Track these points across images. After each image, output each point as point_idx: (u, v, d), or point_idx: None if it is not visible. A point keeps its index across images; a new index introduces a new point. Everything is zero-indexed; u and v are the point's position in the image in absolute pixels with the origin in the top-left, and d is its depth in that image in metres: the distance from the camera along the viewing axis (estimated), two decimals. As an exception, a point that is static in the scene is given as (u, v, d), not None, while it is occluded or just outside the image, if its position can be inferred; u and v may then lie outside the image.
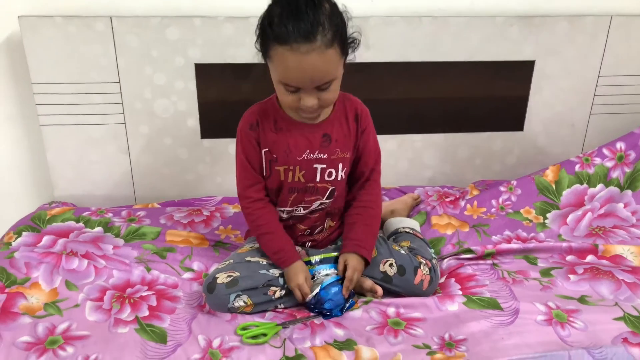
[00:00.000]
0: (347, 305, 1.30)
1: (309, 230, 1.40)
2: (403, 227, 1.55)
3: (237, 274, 1.30)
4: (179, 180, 1.91)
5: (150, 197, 1.92)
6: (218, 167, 1.90)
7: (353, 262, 1.31)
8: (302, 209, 1.36)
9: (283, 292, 1.32)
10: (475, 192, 1.80)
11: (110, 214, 1.71)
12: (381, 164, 1.39)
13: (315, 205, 1.36)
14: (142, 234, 1.61)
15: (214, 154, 1.89)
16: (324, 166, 1.31)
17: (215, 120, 1.84)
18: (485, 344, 1.17)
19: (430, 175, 2.00)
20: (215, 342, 1.21)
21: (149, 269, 1.45)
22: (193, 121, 1.83)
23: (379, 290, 1.35)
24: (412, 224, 1.59)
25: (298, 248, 1.41)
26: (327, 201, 1.36)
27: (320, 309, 1.28)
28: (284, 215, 1.38)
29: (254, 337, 1.22)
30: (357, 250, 1.32)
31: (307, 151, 1.29)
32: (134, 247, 1.54)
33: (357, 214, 1.37)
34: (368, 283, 1.36)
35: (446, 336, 1.22)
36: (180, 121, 1.83)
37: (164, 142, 1.86)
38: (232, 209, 1.76)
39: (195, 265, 1.50)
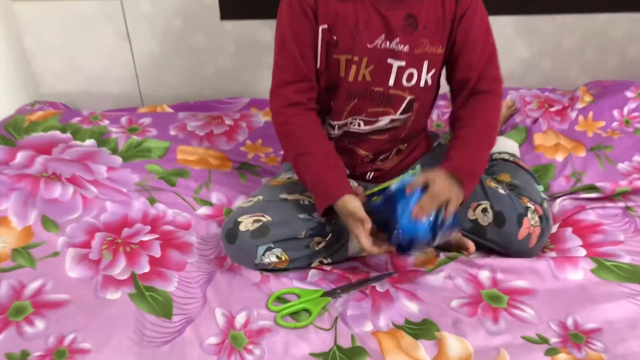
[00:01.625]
0: (448, 223, 0.83)
1: (371, 156, 0.99)
2: (499, 152, 1.12)
3: (268, 218, 0.92)
4: (195, 75, 1.51)
5: (159, 96, 1.53)
6: (244, 59, 1.47)
7: (445, 184, 0.85)
8: (361, 123, 0.95)
9: (329, 242, 0.95)
10: (588, 99, 1.32)
11: (107, 121, 1.32)
12: (498, 67, 0.94)
13: (383, 121, 0.94)
14: (146, 150, 1.24)
15: (238, 42, 1.45)
16: (403, 63, 0.89)
17: (238, -6, 1.37)
18: (633, 341, 0.79)
19: (524, 72, 1.51)
20: (239, 319, 0.86)
21: (153, 201, 1.09)
22: (209, -4, 1.37)
23: (471, 246, 0.96)
24: (511, 146, 1.15)
25: (354, 183, 1.01)
26: (402, 117, 0.94)
27: (389, 220, 0.83)
28: (335, 132, 0.97)
29: (293, 314, 0.87)
30: (456, 172, 0.86)
31: (382, 36, 0.88)
32: (134, 169, 1.18)
33: (464, 130, 0.92)
34: (455, 236, 0.97)
35: (569, 322, 0.84)
36: (192, -4, 1.37)
37: (173, 25, 1.42)
38: (263, 117, 1.35)
39: (214, 196, 1.13)
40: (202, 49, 1.46)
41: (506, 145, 1.15)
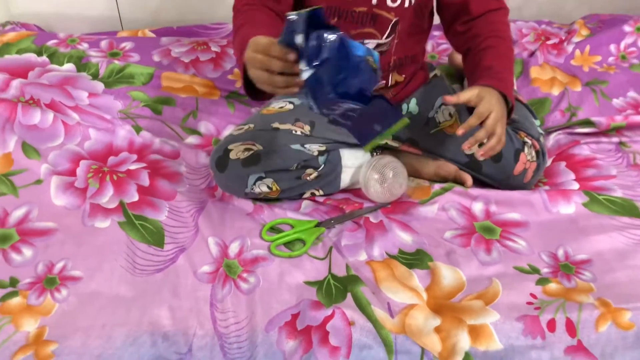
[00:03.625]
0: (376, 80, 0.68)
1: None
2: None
3: (259, 147, 0.90)
4: None
5: (141, 19, 1.44)
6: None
7: (491, 99, 0.80)
8: None
9: (321, 173, 0.93)
10: (585, 32, 1.30)
11: (85, 45, 1.25)
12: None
13: (370, 45, 0.90)
14: (129, 76, 1.18)
15: (224, -38, 1.36)
16: None
17: None
18: (621, 272, 0.81)
19: (521, 3, 1.47)
20: (233, 248, 0.86)
21: (138, 129, 1.05)
22: None
23: (469, 179, 0.95)
24: (507, 78, 1.13)
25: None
26: (386, 41, 0.90)
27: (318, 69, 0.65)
28: None
29: (287, 243, 0.86)
30: (496, 85, 0.82)
31: None
32: (117, 96, 1.12)
33: (488, 46, 0.87)
34: (450, 168, 0.96)
35: (560, 254, 0.85)
36: None
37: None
38: (251, 44, 1.29)
39: (202, 126, 1.10)
40: (186, -31, 1.38)
41: (503, 77, 1.12)
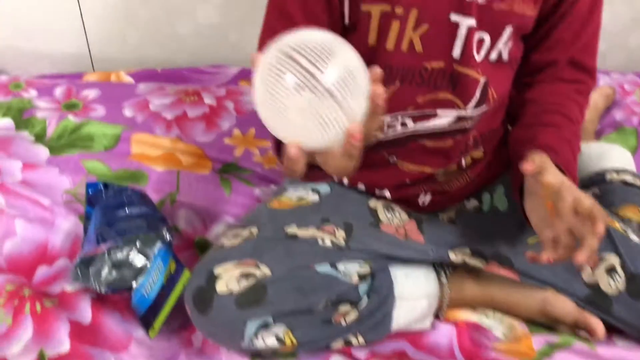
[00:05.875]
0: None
1: (427, 174, 0.63)
2: (616, 170, 0.75)
3: (265, 271, 0.57)
4: (164, 32, 1.12)
5: (116, 59, 1.14)
6: (232, 11, 1.09)
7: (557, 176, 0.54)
8: (408, 120, 0.59)
9: (363, 312, 0.59)
10: None
11: (33, 92, 0.95)
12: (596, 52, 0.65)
13: (445, 119, 0.59)
14: (87, 138, 0.87)
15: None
16: (473, 23, 0.56)
17: None
18: None
19: (606, 47, 1.14)
20: None
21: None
22: None
23: (599, 328, 0.60)
24: (625, 158, 0.79)
25: (402, 215, 0.65)
26: (474, 113, 0.59)
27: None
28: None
29: None
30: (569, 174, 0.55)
31: None
32: (65, 168, 0.82)
33: (555, 117, 0.62)
34: (566, 305, 0.62)
35: None
36: None
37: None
38: (257, 95, 0.97)
39: (182, 218, 0.76)
40: (176, -3, 1.07)
41: (618, 156, 0.78)
